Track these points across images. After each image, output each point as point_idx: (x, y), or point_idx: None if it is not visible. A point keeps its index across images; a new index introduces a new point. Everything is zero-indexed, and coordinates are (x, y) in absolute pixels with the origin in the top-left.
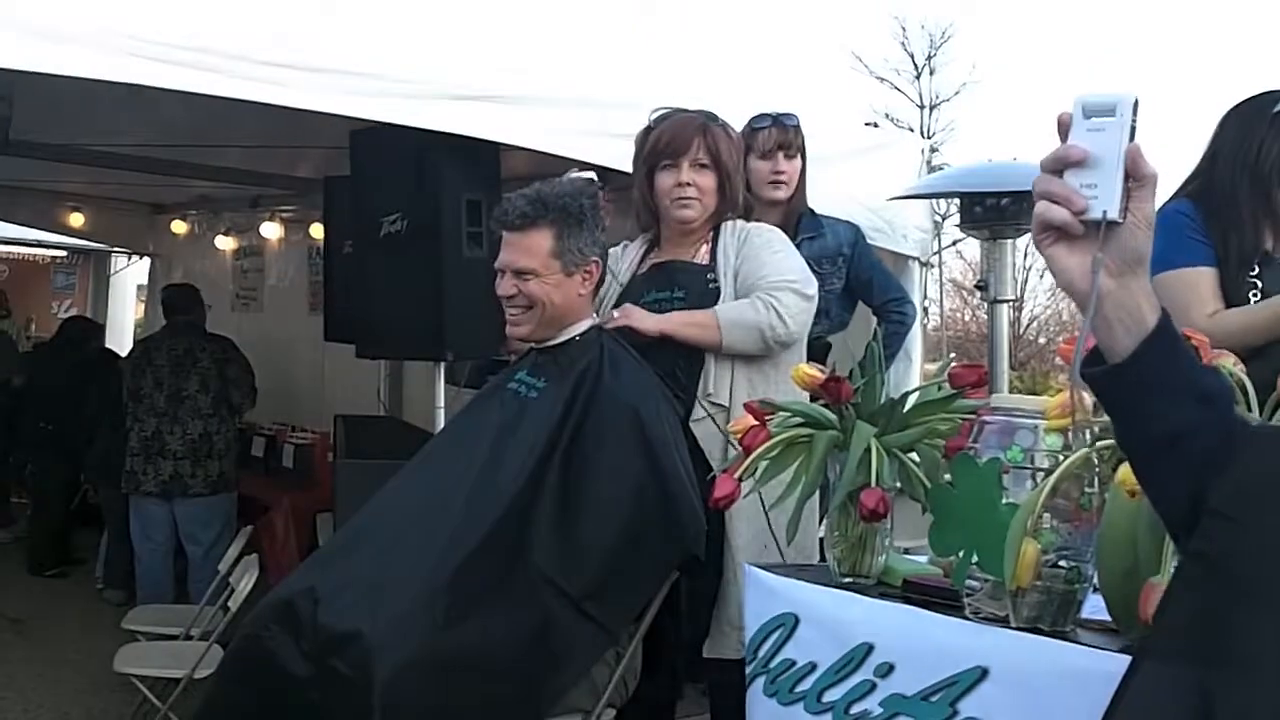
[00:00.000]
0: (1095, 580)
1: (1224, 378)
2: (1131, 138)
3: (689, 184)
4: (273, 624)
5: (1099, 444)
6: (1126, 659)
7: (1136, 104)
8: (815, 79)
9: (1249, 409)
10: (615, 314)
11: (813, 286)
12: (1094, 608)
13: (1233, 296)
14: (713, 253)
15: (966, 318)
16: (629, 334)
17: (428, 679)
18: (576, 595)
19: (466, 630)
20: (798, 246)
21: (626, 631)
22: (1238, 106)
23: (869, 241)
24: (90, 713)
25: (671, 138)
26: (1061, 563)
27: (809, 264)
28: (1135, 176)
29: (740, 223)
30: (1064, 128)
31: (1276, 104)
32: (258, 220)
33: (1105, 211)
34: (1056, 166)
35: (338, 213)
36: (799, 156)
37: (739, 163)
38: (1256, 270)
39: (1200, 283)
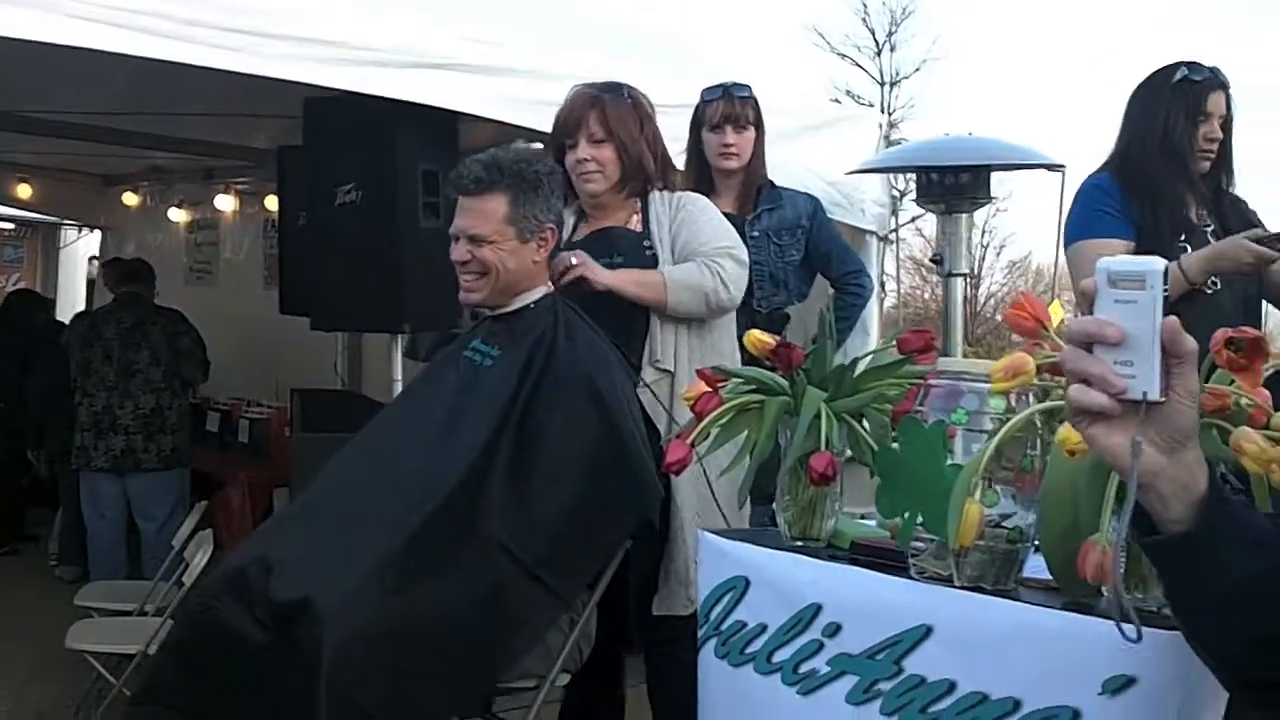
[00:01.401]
0: (1036, 540)
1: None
2: (1167, 310)
3: (588, 159)
4: (224, 594)
5: (1041, 406)
6: (1069, 616)
7: (1166, 273)
8: (776, 54)
9: None
10: (571, 258)
11: (745, 253)
12: (1036, 567)
13: None
14: (645, 221)
15: (926, 295)
16: (577, 284)
17: (378, 647)
18: (530, 562)
19: (417, 598)
20: (757, 218)
21: (581, 598)
22: (1141, 84)
23: (827, 215)
24: (44, 690)
25: (566, 116)
26: (1004, 523)
27: (768, 236)
28: (1174, 354)
29: (668, 193)
30: (1088, 298)
31: (1174, 76)
32: (212, 192)
33: (1145, 393)
34: (1086, 341)
35: (292, 183)
36: (751, 128)
37: (642, 131)
38: (1184, 237)
39: (1104, 255)
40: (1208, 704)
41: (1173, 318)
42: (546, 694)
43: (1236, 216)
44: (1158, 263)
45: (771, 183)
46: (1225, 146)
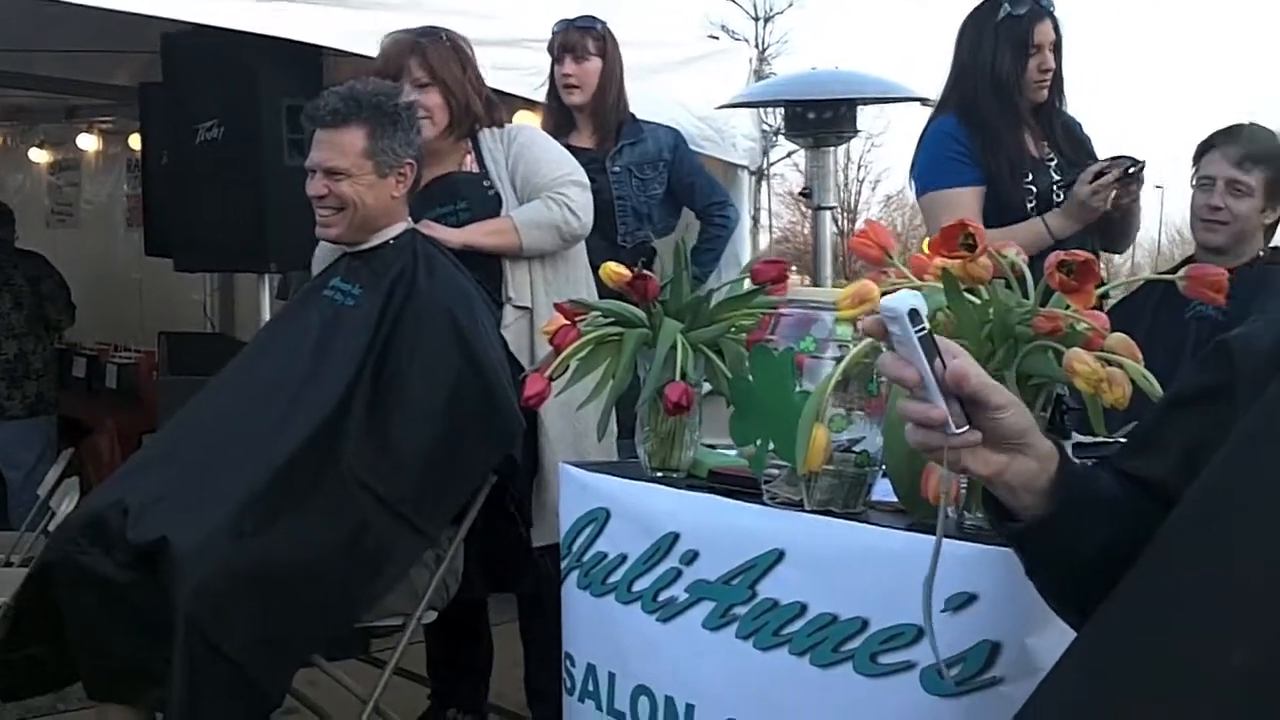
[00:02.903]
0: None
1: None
2: (932, 348)
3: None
4: (81, 537)
5: None
6: (913, 536)
7: (915, 313)
8: None
9: (1025, 296)
10: (418, 228)
11: (584, 175)
12: (884, 490)
13: (1012, 205)
14: (480, 161)
15: (805, 231)
16: None
17: (237, 589)
18: (392, 499)
19: (277, 539)
20: (618, 153)
21: (446, 534)
22: (966, 20)
23: (698, 150)
24: None
25: (384, 65)
26: (853, 447)
27: (630, 170)
28: (961, 395)
29: (497, 129)
30: (877, 336)
31: (998, 14)
32: (74, 132)
33: (943, 426)
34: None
35: (155, 121)
36: (595, 58)
37: (465, 73)
38: (1030, 177)
39: (958, 204)
40: (1046, 618)
41: (955, 362)
42: (413, 632)
43: (1071, 142)
44: (903, 305)
45: (633, 116)
46: (1056, 70)
